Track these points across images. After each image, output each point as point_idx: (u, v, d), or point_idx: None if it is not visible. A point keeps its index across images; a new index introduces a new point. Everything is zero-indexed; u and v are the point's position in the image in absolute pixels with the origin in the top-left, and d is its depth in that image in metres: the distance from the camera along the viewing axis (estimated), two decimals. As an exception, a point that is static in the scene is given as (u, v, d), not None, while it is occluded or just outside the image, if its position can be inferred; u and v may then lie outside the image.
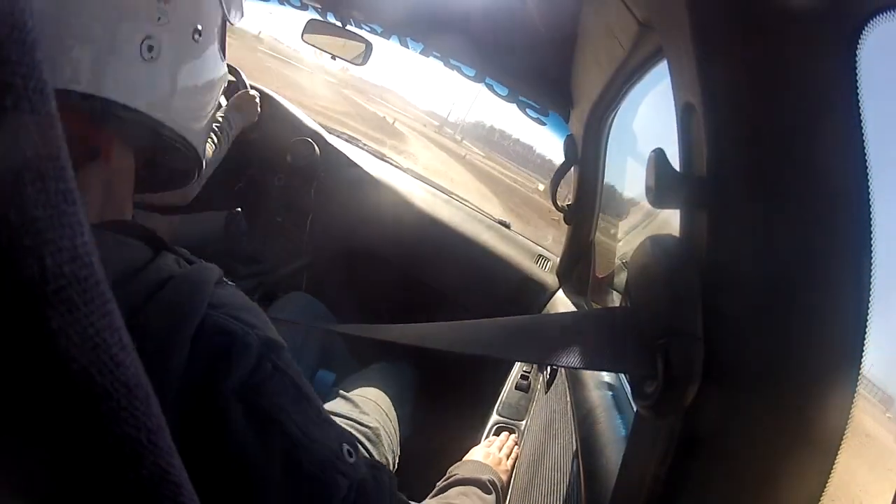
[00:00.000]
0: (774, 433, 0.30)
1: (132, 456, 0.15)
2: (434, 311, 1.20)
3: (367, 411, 0.90)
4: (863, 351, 0.28)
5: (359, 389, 0.96)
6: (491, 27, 0.92)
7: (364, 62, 1.20)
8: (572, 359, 0.34)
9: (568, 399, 0.77)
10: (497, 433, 0.92)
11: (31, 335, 0.13)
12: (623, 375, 0.71)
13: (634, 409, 0.40)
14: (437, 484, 0.72)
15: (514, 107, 1.04)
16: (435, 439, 0.97)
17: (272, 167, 1.36)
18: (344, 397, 0.93)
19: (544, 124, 1.07)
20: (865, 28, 0.27)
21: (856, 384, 0.29)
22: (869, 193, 0.28)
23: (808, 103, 0.28)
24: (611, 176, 1.02)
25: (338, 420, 0.58)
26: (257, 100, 1.16)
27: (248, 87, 1.25)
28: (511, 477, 0.81)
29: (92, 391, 0.14)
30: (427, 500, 0.66)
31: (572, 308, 1.09)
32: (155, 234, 0.38)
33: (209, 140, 0.97)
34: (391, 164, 1.52)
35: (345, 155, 1.39)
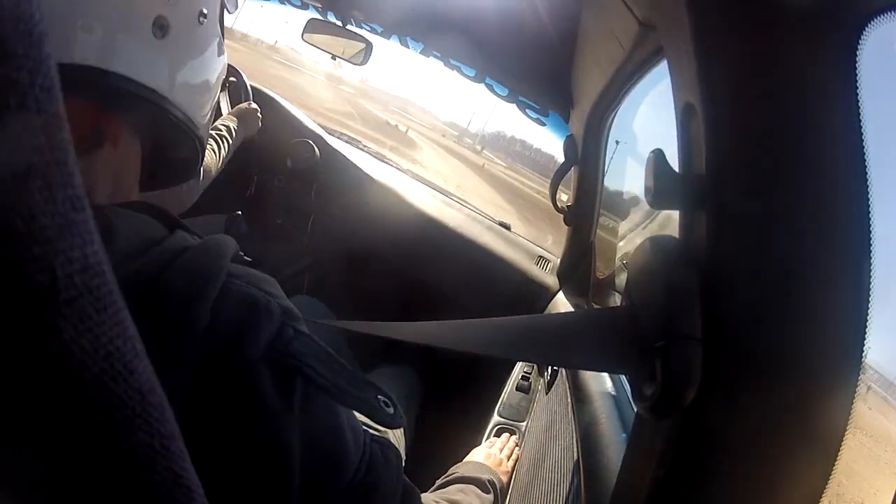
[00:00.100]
0: (774, 434, 0.30)
1: (146, 461, 0.15)
2: (434, 312, 1.19)
3: None
4: (863, 351, 0.28)
5: None
6: (491, 27, 0.92)
7: (364, 62, 1.20)
8: (572, 359, 0.34)
9: (568, 400, 0.77)
10: (498, 434, 0.93)
11: (44, 346, 0.13)
12: (623, 376, 0.71)
13: (635, 410, 0.40)
14: (437, 481, 0.72)
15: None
16: (436, 440, 0.97)
17: (272, 169, 1.36)
18: None
19: (544, 124, 1.07)
20: (865, 28, 0.27)
21: (856, 384, 0.29)
22: (868, 194, 0.28)
23: (808, 103, 0.28)
24: (611, 176, 1.02)
25: None
26: (259, 113, 1.17)
27: (249, 87, 1.25)
28: (511, 478, 0.81)
29: (106, 399, 0.14)
30: (426, 494, 0.66)
31: (573, 310, 1.09)
32: (168, 212, 0.38)
33: (209, 147, 0.97)
34: (391, 165, 1.52)
35: (345, 156, 1.39)
